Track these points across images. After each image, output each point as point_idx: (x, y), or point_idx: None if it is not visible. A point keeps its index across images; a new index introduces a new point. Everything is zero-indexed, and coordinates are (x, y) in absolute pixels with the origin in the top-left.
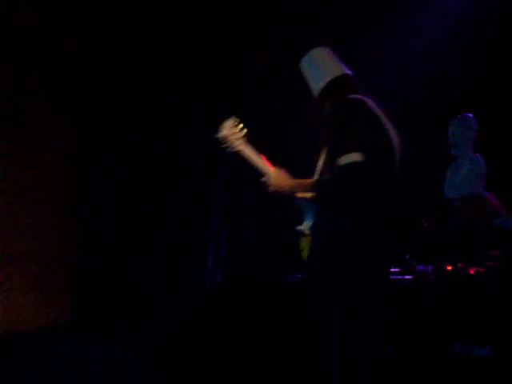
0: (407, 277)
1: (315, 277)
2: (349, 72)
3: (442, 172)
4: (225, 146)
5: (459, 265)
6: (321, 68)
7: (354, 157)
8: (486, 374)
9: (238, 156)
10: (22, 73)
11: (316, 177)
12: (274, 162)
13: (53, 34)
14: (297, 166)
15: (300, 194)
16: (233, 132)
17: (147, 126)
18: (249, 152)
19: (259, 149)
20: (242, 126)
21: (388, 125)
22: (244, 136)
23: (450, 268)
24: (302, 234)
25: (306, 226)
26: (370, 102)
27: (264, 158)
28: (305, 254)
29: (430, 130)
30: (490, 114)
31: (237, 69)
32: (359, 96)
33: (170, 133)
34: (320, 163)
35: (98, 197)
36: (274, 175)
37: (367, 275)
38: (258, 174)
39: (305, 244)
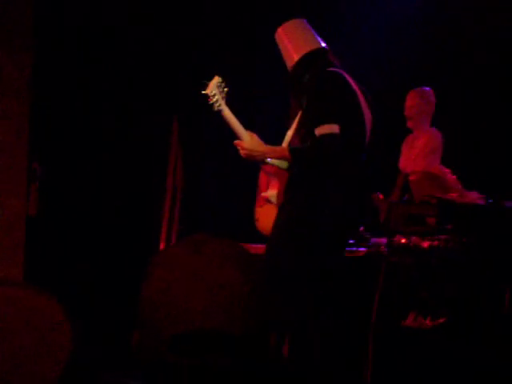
0: (361, 249)
1: (278, 250)
2: (325, 46)
3: (398, 145)
4: (211, 103)
5: (413, 238)
6: (297, 40)
7: (331, 128)
8: (438, 346)
9: (219, 115)
10: None
11: (285, 145)
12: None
13: None
14: (261, 135)
15: (270, 161)
16: (219, 90)
17: (105, 83)
18: (229, 113)
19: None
20: (224, 85)
21: (362, 99)
22: (225, 96)
23: (403, 241)
24: (267, 201)
25: (271, 194)
26: (348, 76)
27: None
28: (260, 223)
29: (386, 103)
30: (448, 86)
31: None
32: (338, 70)
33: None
34: (290, 132)
35: (52, 160)
36: (248, 139)
37: (338, 250)
38: (229, 137)
39: (261, 214)
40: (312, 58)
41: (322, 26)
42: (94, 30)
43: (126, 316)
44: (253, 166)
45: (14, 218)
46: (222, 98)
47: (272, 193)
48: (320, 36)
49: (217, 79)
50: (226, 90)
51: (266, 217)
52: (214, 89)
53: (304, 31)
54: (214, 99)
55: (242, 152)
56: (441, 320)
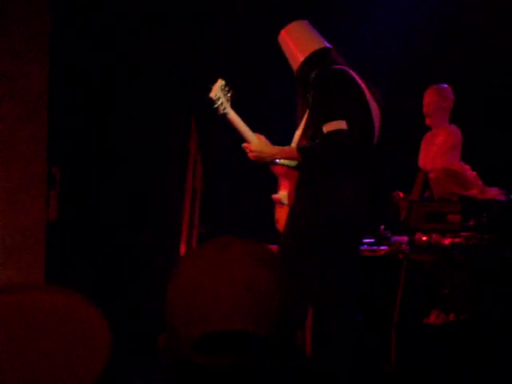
0: (382, 247)
1: (291, 249)
2: (328, 45)
3: (417, 143)
4: (215, 106)
5: (434, 236)
6: (301, 41)
7: (339, 124)
8: (463, 342)
9: (224, 119)
10: None
11: (293, 146)
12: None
13: None
14: (269, 136)
15: (280, 162)
16: (223, 93)
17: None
18: (234, 116)
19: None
20: (229, 88)
21: (369, 96)
22: (230, 99)
23: (424, 239)
24: (278, 203)
25: (283, 195)
26: (353, 73)
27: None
28: (280, 224)
29: (404, 101)
30: (467, 84)
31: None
32: (343, 67)
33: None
34: (298, 133)
35: (72, 162)
36: (256, 141)
37: (349, 248)
38: (237, 142)
39: (280, 214)
40: (317, 58)
41: (336, 22)
42: (109, 34)
43: (150, 319)
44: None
45: (35, 223)
46: (227, 100)
47: (283, 193)
48: (327, 35)
49: (220, 82)
50: (230, 92)
51: (283, 217)
52: (218, 92)
53: (307, 32)
54: (219, 102)
55: (250, 155)
56: (463, 317)
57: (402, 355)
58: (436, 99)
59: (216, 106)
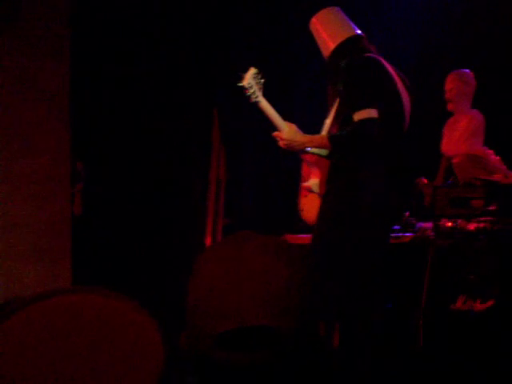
0: (407, 234)
1: (325, 239)
2: (360, 32)
3: (440, 129)
4: (247, 94)
5: (459, 221)
6: (332, 28)
7: (370, 113)
8: (488, 329)
9: (257, 107)
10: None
11: (324, 134)
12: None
13: None
14: (299, 124)
15: (310, 150)
16: (255, 82)
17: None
18: (266, 104)
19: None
20: (261, 76)
21: (400, 84)
22: (262, 87)
23: (449, 224)
24: (309, 191)
25: (314, 184)
26: (384, 62)
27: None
28: (305, 214)
29: (426, 86)
30: (489, 68)
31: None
32: (374, 55)
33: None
34: (328, 121)
35: (96, 160)
36: (287, 129)
37: (382, 235)
38: (267, 128)
39: (306, 203)
40: (348, 46)
41: (356, 10)
42: (128, 28)
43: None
44: (295, 156)
45: (60, 218)
46: (259, 89)
47: (314, 182)
48: (355, 23)
49: (253, 70)
50: (262, 81)
51: (310, 207)
52: (251, 80)
53: (338, 19)
54: (251, 91)
55: (281, 143)
56: (490, 302)
57: (429, 341)
58: (458, 84)
59: (248, 94)
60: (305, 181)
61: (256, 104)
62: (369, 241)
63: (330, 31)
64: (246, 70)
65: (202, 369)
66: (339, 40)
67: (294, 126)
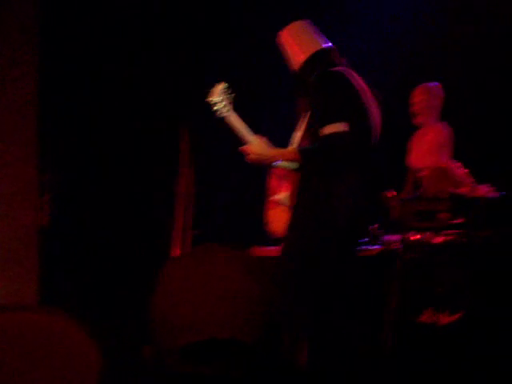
0: (375, 247)
1: (296, 250)
2: (330, 45)
3: (408, 142)
4: (215, 110)
5: (426, 234)
6: (302, 41)
7: (339, 127)
8: (455, 341)
9: (224, 121)
10: None
11: (293, 147)
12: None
13: None
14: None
15: (280, 164)
16: (225, 97)
17: (112, 95)
18: (235, 118)
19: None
20: (230, 91)
21: (369, 97)
22: (232, 102)
23: (416, 237)
24: (279, 204)
25: (284, 196)
26: (354, 75)
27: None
28: (272, 226)
29: (393, 100)
30: (455, 80)
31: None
32: (343, 68)
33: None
34: (298, 134)
35: (64, 171)
36: (256, 143)
37: (351, 248)
38: (230, 144)
39: (273, 216)
40: (318, 58)
41: (324, 24)
42: (99, 37)
43: (138, 328)
44: (263, 169)
45: (27, 229)
46: (229, 103)
47: (284, 195)
48: (325, 35)
49: (221, 85)
50: (231, 95)
51: (277, 219)
52: (220, 95)
53: (309, 32)
54: (220, 106)
55: (250, 157)
56: (457, 315)
57: (397, 354)
58: (426, 98)
59: (217, 108)
60: (272, 194)
61: (225, 119)
62: (339, 253)
63: (300, 44)
64: (214, 85)
65: (165, 382)
66: (309, 53)
67: (263, 140)
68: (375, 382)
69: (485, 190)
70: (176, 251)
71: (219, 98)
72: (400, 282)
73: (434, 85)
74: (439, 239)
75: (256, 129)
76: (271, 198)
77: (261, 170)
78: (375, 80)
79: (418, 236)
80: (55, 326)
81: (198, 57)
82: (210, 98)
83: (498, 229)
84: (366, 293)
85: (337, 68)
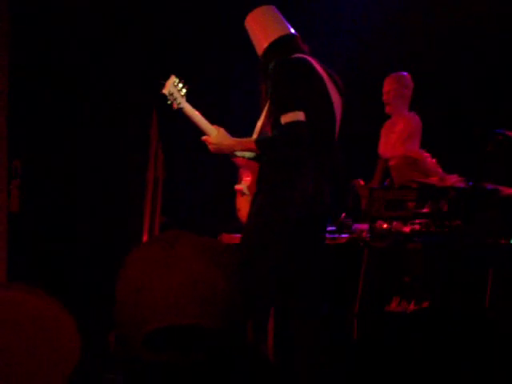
0: (343, 235)
1: (252, 241)
2: (293, 32)
3: (377, 131)
4: (169, 102)
5: (394, 223)
6: (266, 27)
7: (296, 115)
8: (422, 330)
9: (181, 114)
10: None
11: (255, 136)
12: (211, 121)
13: None
14: (231, 127)
15: (239, 153)
16: (176, 89)
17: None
18: (190, 110)
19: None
20: (183, 83)
21: (330, 86)
22: (185, 94)
23: (385, 226)
24: (240, 193)
25: (244, 185)
26: (314, 62)
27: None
28: (241, 213)
29: (363, 89)
30: (424, 70)
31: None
32: (303, 55)
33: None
34: (259, 123)
35: (33, 157)
36: (215, 134)
37: (308, 239)
38: (199, 132)
39: (241, 203)
40: (279, 45)
41: (297, 13)
42: (70, 24)
43: (106, 315)
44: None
45: None
46: (182, 96)
47: (245, 184)
48: (290, 22)
49: (173, 79)
50: (184, 88)
51: (247, 206)
52: (171, 88)
53: (272, 18)
54: (172, 98)
55: (210, 147)
56: (424, 304)
57: (363, 343)
58: (395, 87)
59: (170, 101)
60: (239, 182)
61: (180, 110)
62: (295, 241)
63: (263, 30)
64: (167, 78)
65: (130, 369)
66: (271, 39)
67: (221, 130)
68: (342, 371)
69: (453, 180)
70: (144, 237)
71: (170, 90)
72: (368, 271)
73: (404, 74)
74: (407, 228)
75: (223, 118)
76: (235, 187)
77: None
78: (346, 69)
79: (386, 225)
80: (35, 304)
81: (169, 44)
82: (163, 91)
83: (466, 218)
84: (335, 281)
85: (296, 55)
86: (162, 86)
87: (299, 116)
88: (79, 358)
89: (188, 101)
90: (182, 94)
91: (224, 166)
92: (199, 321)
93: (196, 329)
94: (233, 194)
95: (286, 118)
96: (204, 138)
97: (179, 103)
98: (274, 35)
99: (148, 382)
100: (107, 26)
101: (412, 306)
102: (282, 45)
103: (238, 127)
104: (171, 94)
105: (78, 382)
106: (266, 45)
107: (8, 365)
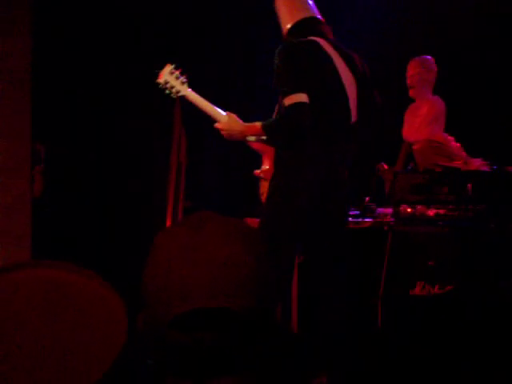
0: (367, 219)
1: (266, 220)
2: (316, 15)
3: (401, 115)
4: (167, 91)
5: (418, 207)
6: (290, 9)
7: (298, 97)
8: (448, 313)
9: (185, 101)
10: None
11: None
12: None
13: None
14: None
15: (252, 138)
16: (173, 77)
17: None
18: (195, 97)
19: (207, 95)
20: (180, 71)
21: (342, 67)
22: (186, 81)
23: (409, 210)
24: (260, 178)
25: (264, 170)
26: (326, 44)
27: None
28: (264, 197)
29: (387, 73)
30: (450, 55)
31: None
32: (314, 38)
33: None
34: (277, 107)
35: (57, 141)
36: (225, 120)
37: (316, 223)
38: (209, 119)
39: (265, 188)
40: (298, 28)
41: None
42: (94, 8)
43: (133, 297)
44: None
45: (19, 200)
46: (181, 83)
47: (264, 168)
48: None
49: (168, 67)
50: (182, 76)
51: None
52: (167, 77)
53: (298, 0)
54: (169, 87)
55: (222, 133)
56: (448, 288)
57: (388, 327)
58: (419, 71)
59: (168, 91)
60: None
61: (183, 98)
62: (311, 224)
63: (287, 12)
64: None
65: (158, 350)
66: (293, 21)
67: (233, 116)
68: (366, 355)
69: (478, 164)
70: (168, 222)
71: (166, 80)
72: (392, 255)
73: (428, 58)
74: (431, 212)
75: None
76: (254, 172)
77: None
78: (370, 53)
79: (410, 209)
80: (86, 285)
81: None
82: (157, 81)
83: (490, 202)
84: (359, 265)
85: (306, 38)
86: (157, 75)
87: (301, 98)
88: (125, 342)
89: (194, 88)
90: (182, 81)
91: (247, 150)
92: (229, 303)
93: (226, 311)
94: (256, 178)
95: (288, 101)
96: (216, 125)
97: (178, 91)
98: (295, 18)
99: (177, 364)
100: (131, 17)
101: (436, 290)
102: (300, 28)
103: (260, 113)
104: (167, 83)
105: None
106: (287, 27)
107: (55, 344)
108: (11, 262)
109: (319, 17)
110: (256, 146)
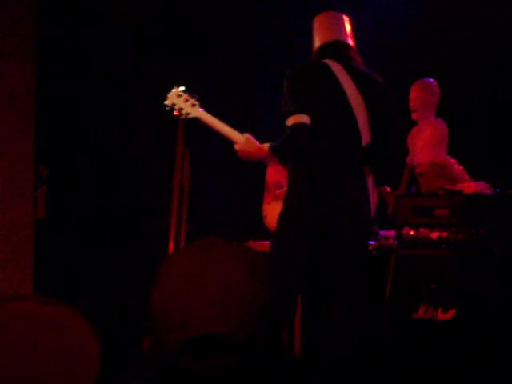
0: (370, 242)
1: (271, 244)
2: (343, 38)
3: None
4: (175, 113)
5: (421, 230)
6: (320, 32)
7: (298, 118)
8: (450, 338)
9: (199, 123)
10: None
11: None
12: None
13: None
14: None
15: (270, 159)
16: (181, 100)
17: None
18: (209, 118)
19: (222, 116)
20: (190, 92)
21: (351, 89)
22: (198, 103)
23: (412, 233)
24: (263, 201)
25: (284, 190)
26: (335, 67)
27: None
28: (269, 220)
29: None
30: (453, 78)
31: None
32: (324, 61)
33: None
34: None
35: (60, 164)
36: (241, 141)
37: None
38: (225, 139)
39: (268, 211)
40: (322, 50)
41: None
42: (96, 30)
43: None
44: (258, 164)
45: (22, 221)
46: (191, 105)
47: (284, 189)
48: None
49: (176, 90)
50: (193, 97)
51: (273, 214)
52: (174, 99)
53: (329, 24)
54: (176, 109)
55: (239, 154)
56: (452, 312)
57: (391, 350)
58: (422, 94)
59: (176, 114)
60: (268, 189)
61: (192, 120)
62: (299, 246)
63: (318, 33)
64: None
65: (164, 375)
66: (321, 43)
67: (248, 137)
68: (372, 377)
69: (481, 187)
70: (170, 245)
71: (173, 102)
72: (394, 278)
73: (430, 81)
74: (434, 235)
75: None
76: (267, 193)
77: (257, 164)
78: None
79: (413, 232)
80: (56, 315)
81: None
82: (164, 103)
83: (493, 225)
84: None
85: (315, 60)
86: (165, 97)
87: (301, 119)
88: (100, 370)
89: (207, 110)
90: (191, 103)
91: (251, 172)
92: (235, 329)
93: (232, 337)
94: (260, 201)
95: (288, 122)
96: (235, 146)
97: (188, 113)
98: (322, 40)
99: None
100: (136, 30)
101: (439, 314)
102: (323, 50)
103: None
104: (174, 105)
105: None
106: (315, 49)
107: (28, 375)
108: (13, 283)
109: (348, 41)
110: (277, 167)
